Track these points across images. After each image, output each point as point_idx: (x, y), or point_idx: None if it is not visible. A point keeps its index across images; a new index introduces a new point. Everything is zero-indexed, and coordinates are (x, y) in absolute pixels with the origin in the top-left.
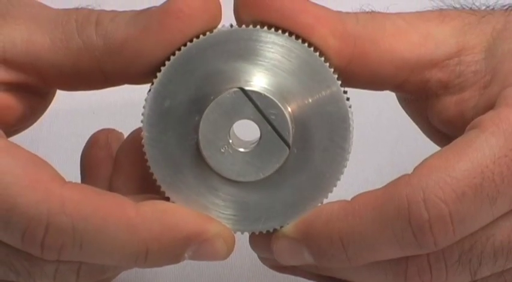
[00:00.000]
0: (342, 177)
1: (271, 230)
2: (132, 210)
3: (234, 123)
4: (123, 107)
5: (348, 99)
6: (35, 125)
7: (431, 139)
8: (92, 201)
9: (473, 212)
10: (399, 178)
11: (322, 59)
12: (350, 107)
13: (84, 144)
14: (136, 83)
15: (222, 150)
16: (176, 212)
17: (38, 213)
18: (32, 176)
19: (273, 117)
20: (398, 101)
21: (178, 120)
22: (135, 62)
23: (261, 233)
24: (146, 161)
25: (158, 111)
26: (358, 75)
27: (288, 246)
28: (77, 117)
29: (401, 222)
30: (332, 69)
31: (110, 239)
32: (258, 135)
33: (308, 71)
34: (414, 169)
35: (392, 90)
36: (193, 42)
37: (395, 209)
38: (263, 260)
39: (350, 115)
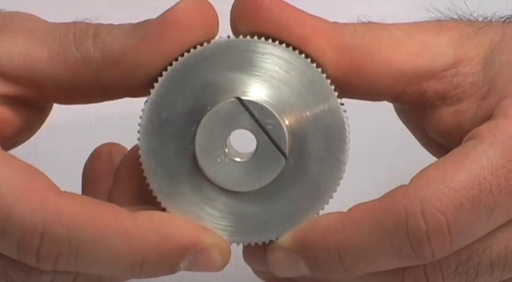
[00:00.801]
0: (339, 189)
1: (267, 242)
2: (128, 220)
3: (230, 133)
4: (121, 120)
5: (344, 111)
6: (32, 138)
7: (428, 150)
8: (88, 211)
9: (470, 223)
10: (396, 189)
11: (320, 70)
12: (347, 118)
13: (81, 158)
14: (134, 96)
15: (219, 160)
16: (172, 222)
17: (34, 222)
18: (27, 186)
19: (269, 127)
20: (396, 111)
21: (175, 131)
22: (133, 73)
23: (256, 244)
24: (143, 171)
25: (155, 122)
26: (355, 86)
27: (283, 257)
28: (74, 130)
29: (399, 234)
30: (329, 81)
31: (105, 249)
32: (255, 146)
33: (305, 83)
34: (411, 180)
35: (389, 101)
36: (191, 52)
37: (393, 221)
38: (257, 272)
39: (347, 127)
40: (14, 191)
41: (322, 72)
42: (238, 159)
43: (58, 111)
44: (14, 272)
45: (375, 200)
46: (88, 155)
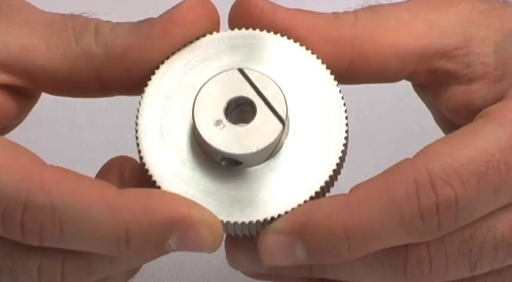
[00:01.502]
0: (341, 177)
1: (261, 220)
2: (113, 192)
3: (229, 98)
4: (121, 119)
5: (343, 98)
6: (32, 136)
7: (442, 128)
8: (72, 182)
9: (476, 198)
10: (401, 163)
11: (320, 60)
12: (344, 104)
13: (81, 156)
14: (132, 93)
15: (217, 125)
16: (160, 196)
17: (17, 191)
18: (12, 159)
19: (268, 94)
20: (413, 87)
21: (174, 104)
22: (136, 69)
23: (244, 235)
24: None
25: (155, 96)
26: (362, 73)
27: (279, 242)
28: (74, 129)
29: (410, 206)
30: (329, 71)
31: (89, 219)
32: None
33: (304, 70)
34: (417, 154)
35: (406, 79)
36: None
37: (404, 193)
38: (237, 265)
39: (344, 111)
40: None
41: (323, 62)
42: (237, 125)
43: (58, 109)
44: (0, 258)
45: (376, 176)
46: (88, 153)
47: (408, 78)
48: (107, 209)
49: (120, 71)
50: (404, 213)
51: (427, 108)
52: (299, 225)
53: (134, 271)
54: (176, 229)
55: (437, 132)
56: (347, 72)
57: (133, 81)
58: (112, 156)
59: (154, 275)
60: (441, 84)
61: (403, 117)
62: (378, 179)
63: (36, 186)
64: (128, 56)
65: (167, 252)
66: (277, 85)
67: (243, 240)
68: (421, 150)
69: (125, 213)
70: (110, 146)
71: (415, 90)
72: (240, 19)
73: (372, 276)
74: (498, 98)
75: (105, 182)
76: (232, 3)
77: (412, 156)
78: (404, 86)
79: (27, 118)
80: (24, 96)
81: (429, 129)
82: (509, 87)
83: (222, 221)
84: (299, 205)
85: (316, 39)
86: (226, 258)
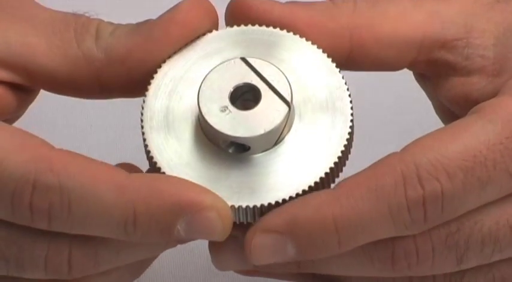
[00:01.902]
0: (341, 178)
1: (273, 203)
2: (122, 174)
3: (233, 85)
4: (121, 120)
5: (346, 83)
6: None
7: (441, 118)
8: (81, 163)
9: (462, 193)
10: (388, 156)
11: (321, 50)
12: (349, 91)
13: None
14: (132, 95)
15: (222, 110)
16: (169, 180)
17: (26, 172)
18: (20, 142)
19: (272, 79)
20: (414, 76)
21: (179, 98)
22: (137, 71)
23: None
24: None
25: (159, 92)
26: (361, 62)
27: (267, 240)
28: (75, 130)
29: (398, 198)
30: (330, 59)
31: (98, 199)
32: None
33: (307, 60)
34: (404, 147)
35: (406, 68)
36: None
37: (392, 185)
38: (223, 266)
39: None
40: (6, 145)
41: (324, 52)
42: (242, 111)
43: (59, 110)
44: (8, 247)
45: (363, 170)
46: (88, 154)
47: (409, 68)
48: (115, 188)
49: (120, 74)
50: (392, 204)
51: (426, 108)
52: (288, 222)
53: (140, 269)
54: (185, 213)
55: None
56: (347, 60)
57: (134, 83)
58: (112, 157)
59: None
60: (441, 75)
61: (403, 117)
62: (365, 172)
63: (44, 167)
64: (129, 58)
65: (176, 241)
66: (280, 70)
67: (227, 241)
68: (410, 143)
69: (133, 194)
70: (110, 146)
71: (416, 79)
72: (237, 21)
73: (360, 270)
74: (495, 93)
75: (113, 166)
76: (227, 2)
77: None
78: (405, 86)
79: (27, 118)
80: (24, 91)
81: (429, 129)
82: (505, 82)
83: (233, 206)
84: (304, 190)
85: (314, 33)
86: (212, 261)
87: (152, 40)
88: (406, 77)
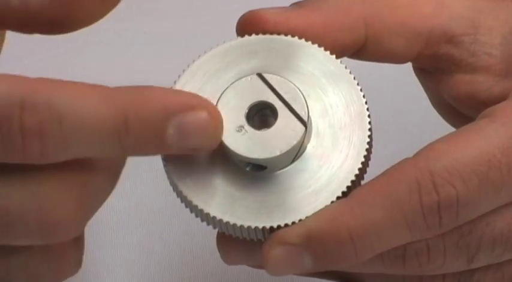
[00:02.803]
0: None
1: (289, 223)
2: (106, 87)
3: (249, 104)
4: None
5: (364, 96)
6: None
7: (439, 112)
8: (64, 82)
9: (477, 198)
10: (401, 163)
11: (339, 61)
12: (366, 103)
13: None
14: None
15: (238, 130)
16: (157, 88)
17: (11, 96)
18: (3, 74)
19: (289, 97)
20: (414, 70)
21: None
22: None
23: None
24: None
25: None
26: (372, 51)
27: (284, 253)
28: None
29: (413, 205)
30: (349, 70)
31: (87, 110)
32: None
33: (324, 70)
34: (418, 153)
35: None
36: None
37: (407, 192)
38: (230, 261)
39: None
40: None
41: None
42: (258, 130)
43: None
44: None
45: (376, 177)
46: None
47: (414, 61)
48: (104, 98)
49: None
50: (407, 212)
51: (427, 109)
52: (303, 234)
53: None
54: (175, 114)
55: (437, 132)
56: (359, 50)
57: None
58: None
59: None
60: (445, 71)
61: (403, 117)
62: (379, 179)
63: (29, 89)
64: None
65: (168, 148)
66: (297, 87)
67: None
68: (422, 149)
69: (122, 101)
70: None
71: (416, 74)
72: (251, 34)
73: (370, 267)
74: (504, 95)
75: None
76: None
77: (411, 156)
78: (404, 86)
79: None
80: None
81: (429, 130)
82: None
83: (249, 227)
84: (325, 206)
85: (332, 33)
86: (220, 255)
87: None
88: (405, 77)
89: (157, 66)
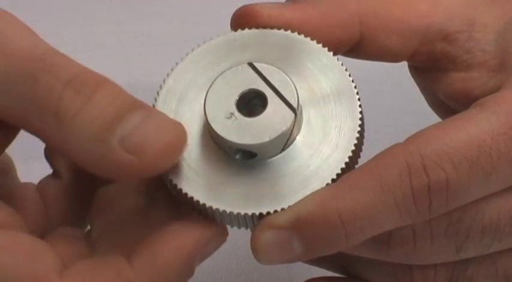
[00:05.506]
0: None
1: (279, 210)
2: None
3: (240, 92)
4: None
5: (356, 87)
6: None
7: (435, 111)
8: None
9: (467, 183)
10: (392, 147)
11: (331, 53)
12: (358, 93)
13: None
14: None
15: (228, 117)
16: None
17: None
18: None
19: (278, 84)
20: (409, 68)
21: (187, 104)
22: None
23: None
24: None
25: (169, 98)
26: (367, 49)
27: (276, 238)
28: None
29: (403, 188)
30: (341, 62)
31: None
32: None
33: (315, 62)
34: (408, 138)
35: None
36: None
37: (397, 175)
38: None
39: (357, 96)
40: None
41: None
42: (248, 117)
43: None
44: None
45: (366, 162)
46: None
47: (409, 59)
48: None
49: None
50: (397, 195)
51: (426, 110)
52: (292, 218)
53: None
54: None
55: None
56: (355, 48)
57: None
58: None
59: None
60: (440, 69)
61: (403, 117)
62: (369, 163)
63: None
64: None
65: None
66: (287, 75)
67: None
68: (413, 134)
69: None
70: None
71: (411, 73)
72: (247, 23)
73: (356, 250)
74: (497, 88)
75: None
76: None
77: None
78: (404, 87)
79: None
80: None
81: None
82: (506, 78)
83: (238, 213)
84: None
85: (326, 28)
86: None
87: None
88: (404, 77)
89: (156, 68)
